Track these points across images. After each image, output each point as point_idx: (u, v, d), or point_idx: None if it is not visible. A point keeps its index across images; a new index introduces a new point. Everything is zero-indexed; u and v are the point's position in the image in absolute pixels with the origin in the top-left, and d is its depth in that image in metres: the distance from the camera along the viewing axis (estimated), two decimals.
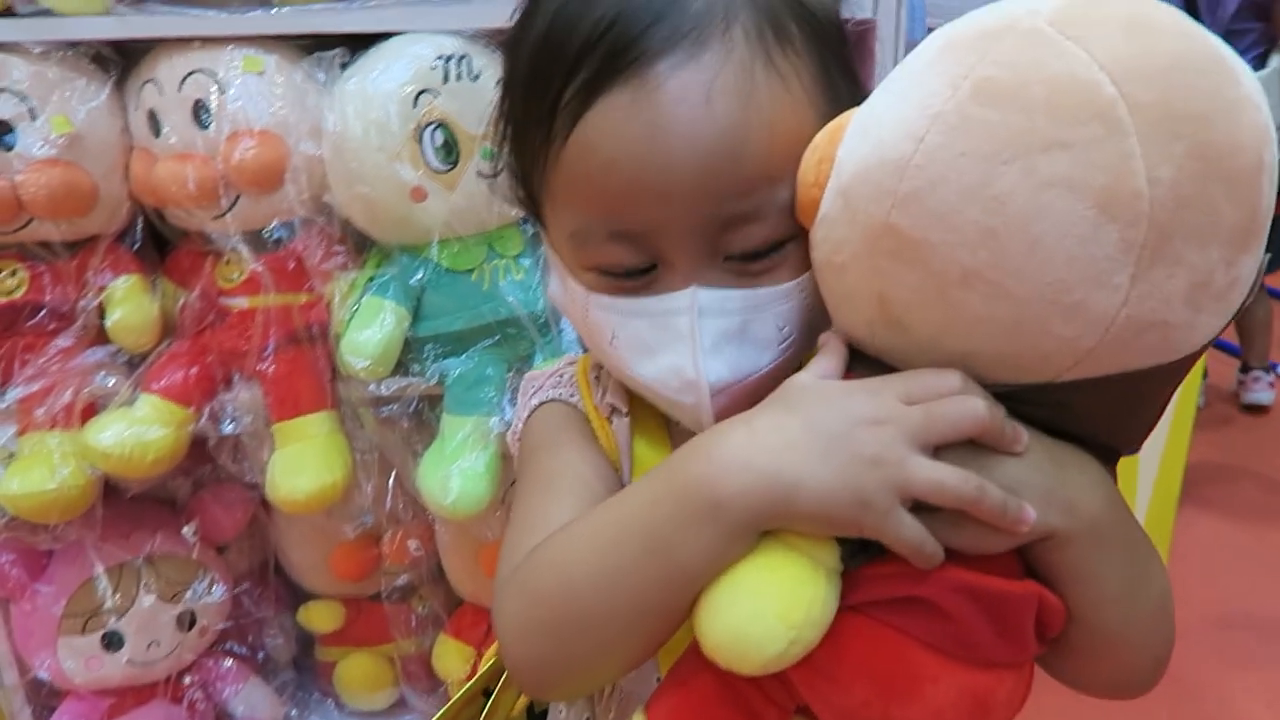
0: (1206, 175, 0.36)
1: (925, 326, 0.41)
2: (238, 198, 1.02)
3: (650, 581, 0.41)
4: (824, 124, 0.46)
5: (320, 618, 1.34)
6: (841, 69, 0.50)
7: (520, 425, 0.60)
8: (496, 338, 1.06)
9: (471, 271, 1.07)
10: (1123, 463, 0.46)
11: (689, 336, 0.47)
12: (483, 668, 0.63)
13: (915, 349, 0.42)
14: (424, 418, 1.09)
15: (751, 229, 0.46)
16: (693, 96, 0.44)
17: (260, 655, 1.32)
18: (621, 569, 0.42)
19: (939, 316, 0.40)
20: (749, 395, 0.46)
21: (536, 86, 0.46)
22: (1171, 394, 0.44)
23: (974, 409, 0.40)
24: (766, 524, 0.40)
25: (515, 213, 1.07)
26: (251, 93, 1.01)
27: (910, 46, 1.73)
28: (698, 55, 0.44)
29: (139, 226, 1.07)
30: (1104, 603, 0.42)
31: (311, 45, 1.05)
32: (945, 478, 0.39)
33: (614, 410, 0.56)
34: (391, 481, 1.15)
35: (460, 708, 0.63)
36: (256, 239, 1.05)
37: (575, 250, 0.49)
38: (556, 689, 0.50)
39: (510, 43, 0.50)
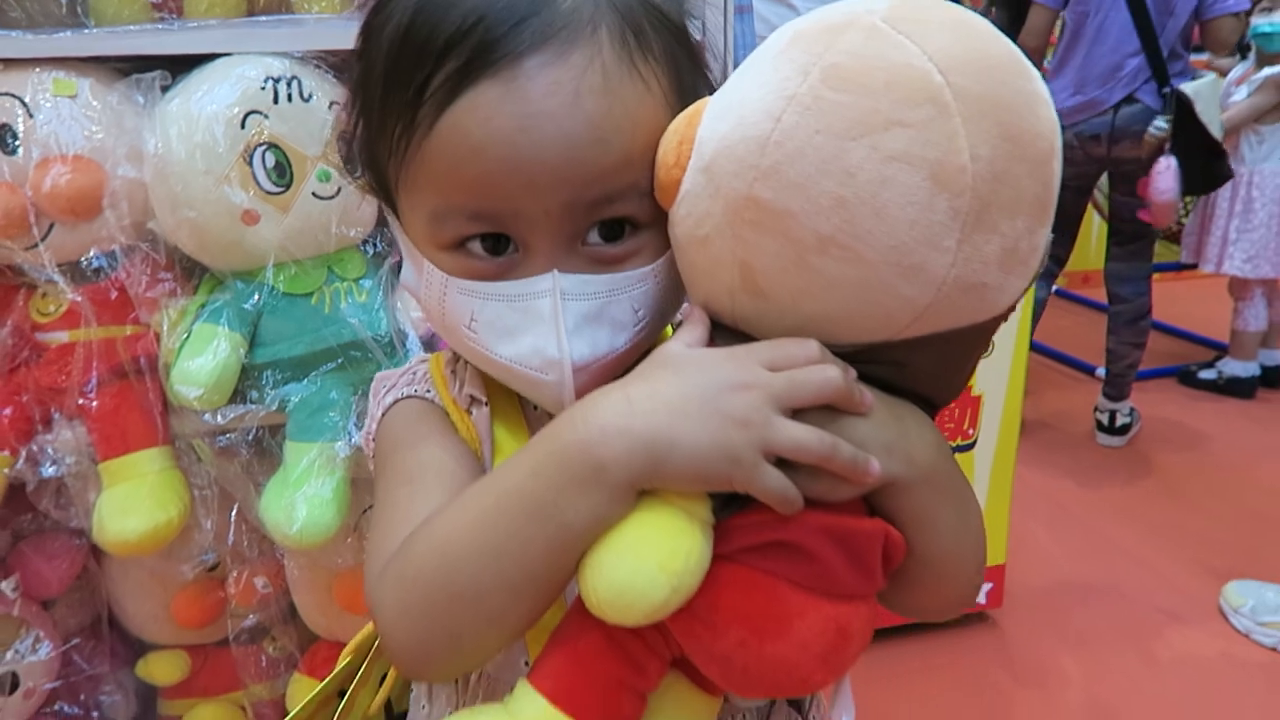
0: (1014, 155, 0.42)
1: (784, 291, 0.45)
2: (51, 226, 0.97)
3: (537, 548, 0.43)
4: None
5: (162, 669, 1.27)
6: (692, 70, 0.54)
7: (375, 426, 0.59)
8: (339, 361, 1.05)
9: (311, 295, 1.05)
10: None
11: (552, 318, 0.49)
12: (338, 666, 0.61)
13: (774, 314, 0.46)
14: (265, 447, 1.06)
15: (611, 213, 0.50)
16: (563, 93, 0.46)
17: (95, 716, 1.23)
18: (508, 538, 0.43)
19: (797, 281, 0.44)
20: (605, 373, 0.50)
21: (399, 76, 0.48)
22: (980, 354, 0.50)
23: (831, 377, 0.44)
24: (646, 483, 0.42)
25: (355, 234, 1.07)
26: (64, 116, 0.97)
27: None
28: (566, 54, 0.46)
29: None
30: (937, 539, 0.48)
31: (129, 68, 1.01)
32: (804, 437, 0.43)
33: (473, 400, 0.56)
34: (234, 516, 1.11)
35: (315, 709, 0.61)
36: (75, 269, 1.00)
37: (434, 231, 0.50)
38: (441, 668, 0.49)
39: (366, 34, 0.51)
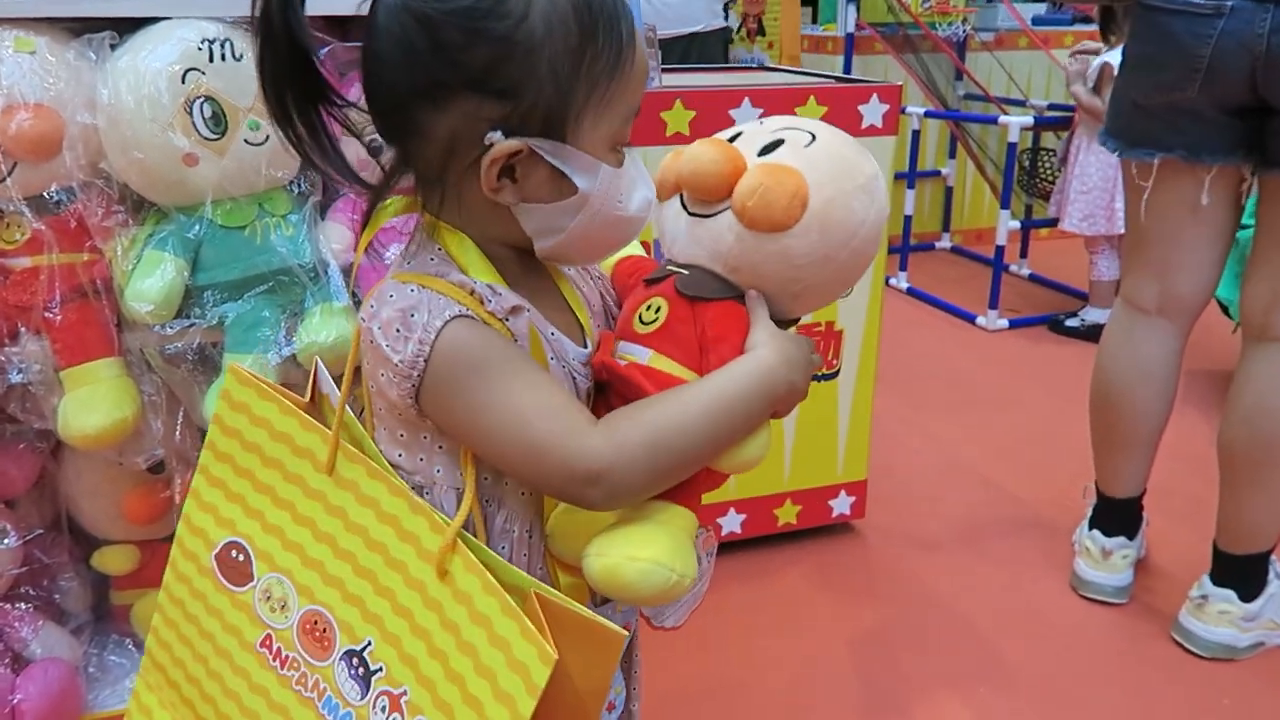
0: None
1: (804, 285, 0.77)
2: (15, 165, 1.13)
3: (737, 433, 0.70)
4: None
5: (114, 561, 1.43)
6: None
7: (425, 349, 0.66)
8: (270, 285, 1.23)
9: (244, 228, 1.22)
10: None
11: (643, 175, 0.74)
12: None
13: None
14: (207, 356, 1.24)
15: None
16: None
17: (56, 598, 1.40)
18: (724, 426, 0.69)
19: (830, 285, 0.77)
20: None
21: (595, 37, 0.67)
22: None
23: (820, 362, 0.79)
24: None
25: (282, 175, 1.24)
26: (25, 70, 1.12)
27: None
28: None
29: None
30: None
31: (80, 28, 1.17)
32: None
33: (513, 310, 0.70)
34: (180, 422, 1.28)
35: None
36: (39, 202, 1.16)
37: (621, 131, 0.71)
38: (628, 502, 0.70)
39: (508, 17, 0.66)
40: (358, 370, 0.74)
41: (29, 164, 1.13)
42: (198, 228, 1.19)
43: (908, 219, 3.92)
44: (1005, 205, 3.38)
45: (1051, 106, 3.94)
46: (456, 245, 0.72)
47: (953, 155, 4.40)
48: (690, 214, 0.77)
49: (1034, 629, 1.82)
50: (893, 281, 3.89)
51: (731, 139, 0.78)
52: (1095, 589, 1.88)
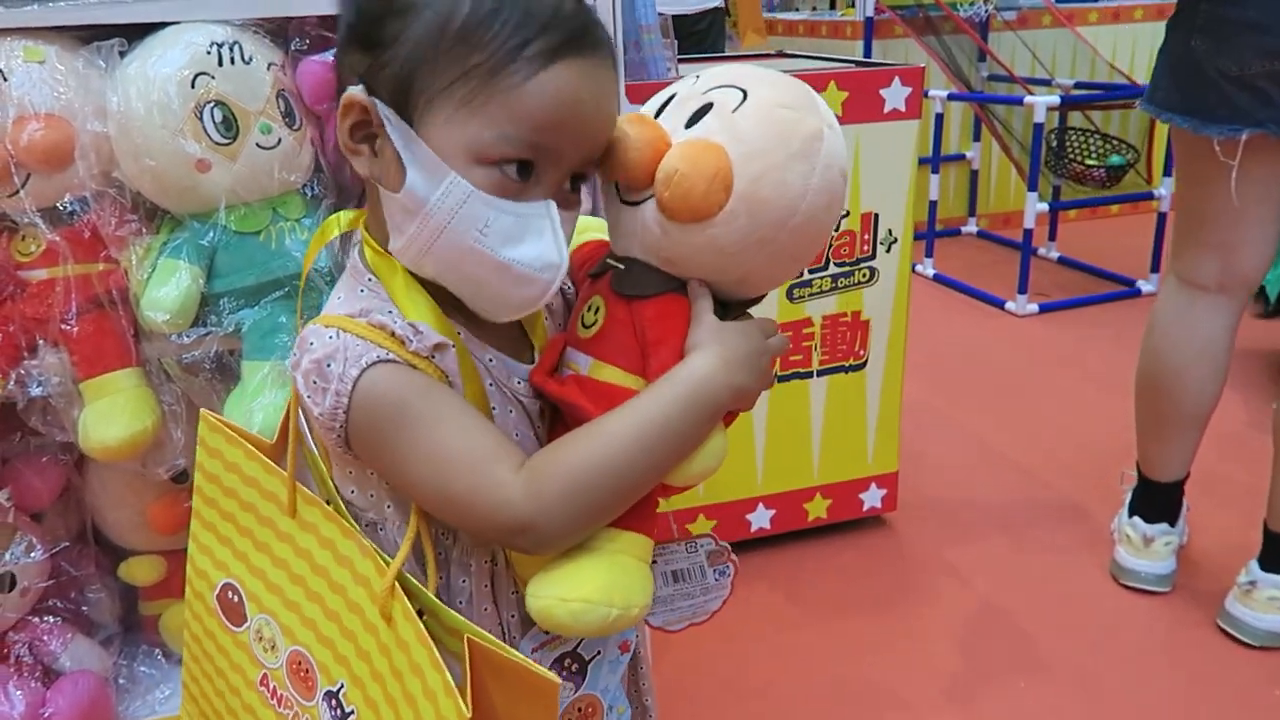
0: None
1: (743, 269, 0.70)
2: (29, 176, 1.12)
3: (672, 458, 0.65)
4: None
5: (141, 572, 1.43)
6: None
7: (343, 400, 0.63)
8: (286, 290, 1.21)
9: (259, 233, 1.21)
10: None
11: (553, 235, 0.65)
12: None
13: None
14: (225, 364, 1.22)
15: (587, 172, 0.70)
16: (610, 88, 0.66)
17: (84, 610, 1.40)
18: (657, 453, 0.64)
19: (766, 269, 0.71)
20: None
21: (488, 33, 0.61)
22: None
23: (785, 339, 0.73)
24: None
25: (295, 179, 1.23)
26: (35, 80, 1.11)
27: (646, 30, 2.03)
28: (609, 61, 0.66)
29: None
30: None
31: (88, 36, 1.15)
32: (773, 376, 0.71)
33: (436, 348, 0.65)
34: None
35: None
36: (53, 214, 1.15)
37: (485, 148, 0.62)
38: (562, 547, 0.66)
39: None
40: None
41: (42, 175, 1.12)
42: (212, 234, 1.17)
43: (933, 204, 3.87)
44: (1032, 187, 3.32)
45: (1078, 85, 3.87)
46: (386, 271, 0.69)
47: (977, 138, 4.33)
48: (622, 201, 0.71)
49: (1073, 620, 1.78)
50: (919, 268, 3.84)
51: (663, 105, 0.71)
52: (1136, 577, 1.84)
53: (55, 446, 1.30)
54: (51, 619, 1.35)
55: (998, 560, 1.97)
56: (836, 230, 1.83)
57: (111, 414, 1.18)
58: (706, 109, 0.67)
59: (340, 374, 0.63)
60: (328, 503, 0.71)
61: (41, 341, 1.19)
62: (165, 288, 1.15)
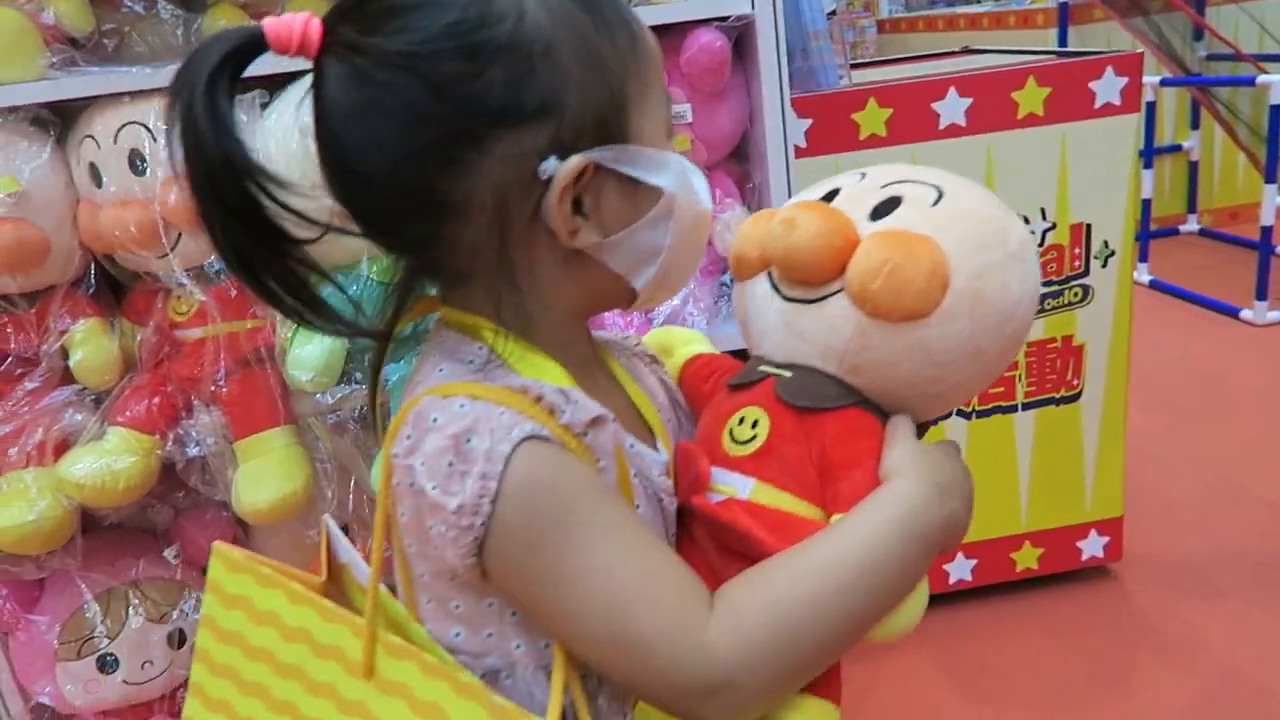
0: None
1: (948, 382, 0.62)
2: (179, 236, 1.11)
3: (891, 600, 0.54)
4: None
5: None
6: None
7: (494, 484, 0.49)
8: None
9: None
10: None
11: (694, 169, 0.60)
12: None
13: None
14: (371, 422, 1.17)
15: None
16: None
17: None
18: (872, 604, 0.53)
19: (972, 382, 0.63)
20: None
21: (607, 21, 0.56)
22: None
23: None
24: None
25: None
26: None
27: (814, 36, 1.84)
28: None
29: (92, 272, 1.16)
30: None
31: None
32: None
33: (594, 421, 0.54)
34: (353, 486, 1.22)
35: None
36: (201, 273, 1.13)
37: (667, 114, 0.60)
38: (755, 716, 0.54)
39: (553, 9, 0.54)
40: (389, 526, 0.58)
41: (191, 234, 1.11)
42: (355, 287, 1.12)
43: (1146, 202, 3.47)
44: (1270, 179, 2.91)
45: None
46: (504, 340, 0.57)
47: (1195, 126, 3.87)
48: (786, 299, 0.61)
49: None
50: (1132, 275, 3.45)
51: (827, 197, 0.62)
52: None
53: (218, 502, 1.29)
54: None
55: (1243, 619, 1.69)
56: (1041, 245, 1.61)
57: (261, 477, 1.15)
58: (895, 202, 0.60)
59: (488, 450, 0.49)
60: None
61: (196, 401, 1.17)
62: (310, 345, 1.11)
